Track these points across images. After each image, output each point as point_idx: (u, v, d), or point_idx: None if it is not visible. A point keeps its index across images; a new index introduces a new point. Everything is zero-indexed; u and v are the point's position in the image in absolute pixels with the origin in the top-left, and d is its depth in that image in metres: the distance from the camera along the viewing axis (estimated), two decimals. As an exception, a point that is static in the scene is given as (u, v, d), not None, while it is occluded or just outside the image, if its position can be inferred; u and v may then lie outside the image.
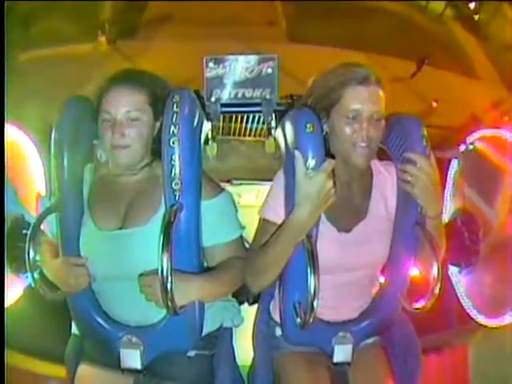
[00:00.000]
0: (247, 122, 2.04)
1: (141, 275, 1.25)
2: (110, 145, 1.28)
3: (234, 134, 2.12)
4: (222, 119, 1.94)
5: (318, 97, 1.32)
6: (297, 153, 1.19)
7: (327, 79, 1.31)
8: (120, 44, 3.22)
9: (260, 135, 2.01)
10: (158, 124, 1.31)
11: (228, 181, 2.06)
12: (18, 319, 1.64)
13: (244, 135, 2.13)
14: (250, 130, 2.08)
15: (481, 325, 1.83)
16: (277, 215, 1.30)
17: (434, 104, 2.56)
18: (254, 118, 1.98)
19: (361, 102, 1.26)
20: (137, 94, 1.29)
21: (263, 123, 1.83)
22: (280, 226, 1.25)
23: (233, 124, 2.08)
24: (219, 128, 2.03)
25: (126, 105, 1.27)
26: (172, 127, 1.21)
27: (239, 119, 2.00)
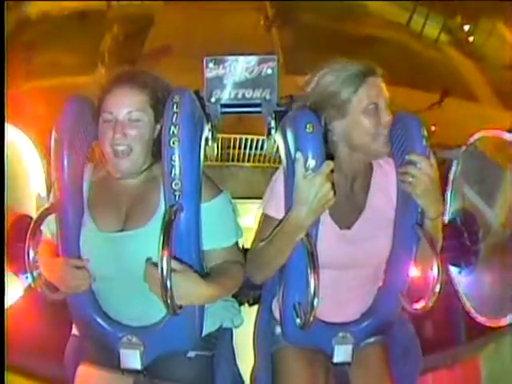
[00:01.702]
0: (245, 147, 2.04)
1: (150, 264, 1.22)
2: (110, 146, 1.27)
3: (232, 160, 2.12)
4: (220, 146, 1.94)
5: (326, 96, 1.29)
6: (298, 154, 1.20)
7: (332, 77, 1.29)
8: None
9: (259, 161, 2.02)
10: (158, 126, 1.31)
11: None
12: (18, 319, 1.64)
13: (243, 161, 2.13)
14: (249, 155, 2.07)
15: (491, 337, 1.82)
16: (278, 211, 1.30)
17: (433, 128, 2.57)
18: (252, 143, 1.98)
19: (377, 94, 1.27)
20: (139, 94, 1.28)
21: (261, 149, 1.82)
22: (280, 222, 1.26)
23: (231, 150, 2.08)
24: (218, 154, 2.03)
25: (128, 105, 1.27)
26: (172, 127, 1.21)
27: (237, 145, 2.00)
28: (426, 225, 1.30)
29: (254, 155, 2.01)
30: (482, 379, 1.95)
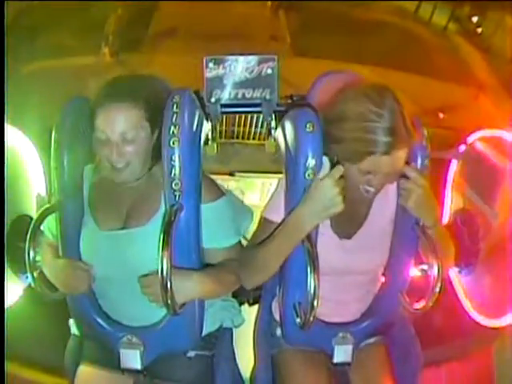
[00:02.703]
0: (250, 125, 2.03)
1: (141, 276, 1.24)
2: (107, 162, 1.25)
3: (237, 138, 2.12)
4: (224, 122, 1.93)
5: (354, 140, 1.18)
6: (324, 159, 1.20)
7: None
8: (123, 56, 3.22)
9: (264, 139, 2.01)
10: (156, 131, 1.27)
11: (230, 174, 2.04)
12: (18, 319, 1.64)
13: (248, 139, 2.13)
14: (254, 133, 2.07)
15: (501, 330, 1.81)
16: (278, 216, 1.29)
17: (441, 115, 2.57)
18: (257, 121, 1.97)
19: None
20: (132, 110, 1.22)
21: (267, 127, 1.82)
22: (280, 224, 1.25)
23: (236, 128, 2.07)
24: (222, 131, 2.03)
25: (122, 125, 1.21)
26: (172, 127, 1.21)
27: (242, 123, 2.00)
28: (428, 233, 1.30)
29: (260, 133, 2.01)
30: (494, 371, 1.93)
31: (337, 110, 1.20)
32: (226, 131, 2.06)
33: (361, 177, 1.20)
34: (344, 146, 1.18)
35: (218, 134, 1.85)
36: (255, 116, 1.91)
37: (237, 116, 1.92)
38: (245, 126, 2.04)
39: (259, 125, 2.00)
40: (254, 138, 2.10)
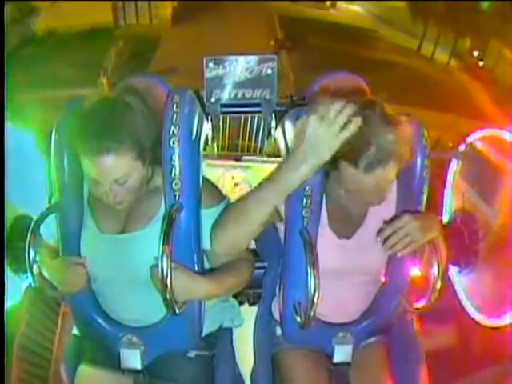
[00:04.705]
0: (256, 141, 2.02)
1: (152, 267, 1.20)
2: (103, 197, 1.24)
3: (241, 151, 2.11)
4: (227, 135, 1.92)
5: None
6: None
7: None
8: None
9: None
10: (148, 159, 1.23)
11: (236, 159, 2.02)
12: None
13: (251, 151, 2.12)
14: (260, 149, 2.06)
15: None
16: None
17: (450, 144, 2.59)
18: (262, 135, 1.95)
19: None
20: (120, 159, 1.17)
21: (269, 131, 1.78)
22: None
23: (240, 141, 2.07)
24: (225, 145, 2.02)
25: (113, 175, 1.18)
26: (172, 127, 1.21)
27: (247, 137, 1.99)
28: None
29: (262, 148, 2.04)
30: None
31: None
32: (229, 145, 2.06)
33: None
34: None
35: (221, 148, 1.85)
36: (260, 130, 1.90)
37: (241, 130, 1.92)
38: (249, 140, 2.03)
39: (263, 139, 1.98)
40: (256, 152, 2.09)
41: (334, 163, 1.18)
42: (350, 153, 1.14)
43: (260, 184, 1.16)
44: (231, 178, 2.07)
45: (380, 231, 1.25)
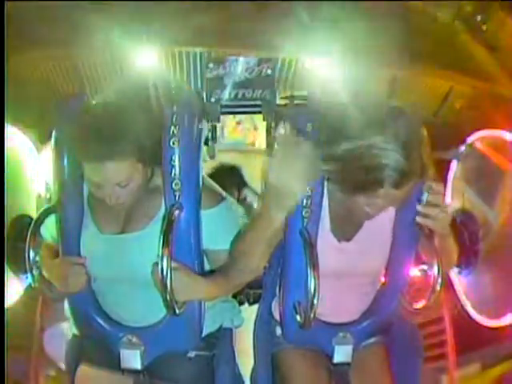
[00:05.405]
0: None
1: (155, 263, 1.19)
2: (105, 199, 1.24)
3: None
4: None
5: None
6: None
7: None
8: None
9: None
10: (148, 162, 1.24)
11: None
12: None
13: None
14: None
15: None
16: None
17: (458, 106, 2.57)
18: None
19: None
20: (122, 162, 1.17)
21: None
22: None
23: None
24: None
25: (115, 179, 1.19)
26: (172, 127, 1.21)
27: None
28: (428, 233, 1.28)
29: None
30: None
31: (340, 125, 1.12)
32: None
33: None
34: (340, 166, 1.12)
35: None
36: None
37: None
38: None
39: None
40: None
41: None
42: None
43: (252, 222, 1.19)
44: (232, 116, 2.05)
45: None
